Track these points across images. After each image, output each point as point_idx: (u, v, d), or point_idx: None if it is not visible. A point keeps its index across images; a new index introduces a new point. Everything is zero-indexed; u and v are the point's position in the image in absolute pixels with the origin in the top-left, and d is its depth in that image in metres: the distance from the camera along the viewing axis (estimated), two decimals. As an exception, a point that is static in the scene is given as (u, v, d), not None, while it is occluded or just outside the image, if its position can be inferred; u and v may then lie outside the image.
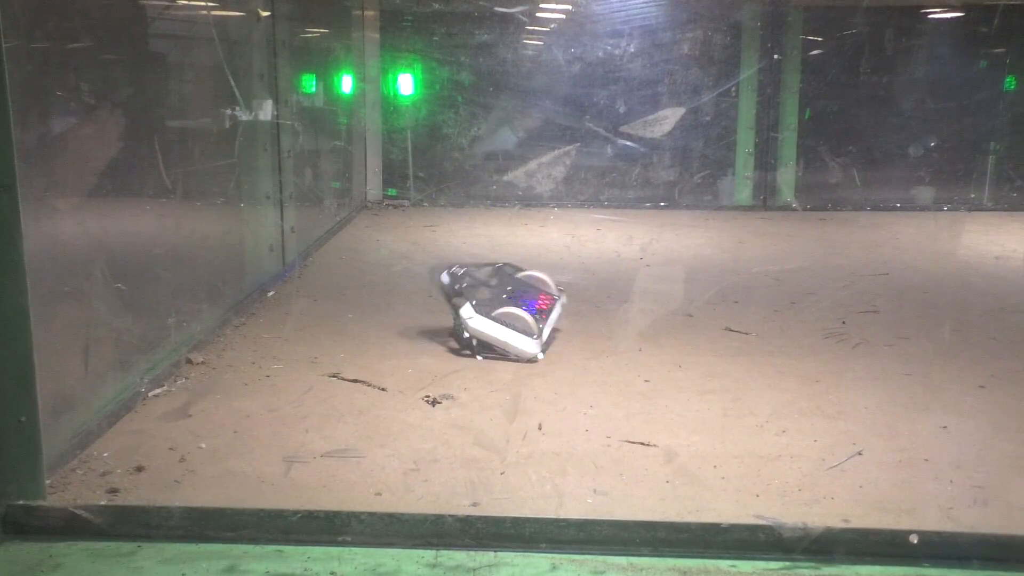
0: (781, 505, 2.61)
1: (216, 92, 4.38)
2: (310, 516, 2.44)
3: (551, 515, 2.49)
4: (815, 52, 8.04)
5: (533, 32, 8.05)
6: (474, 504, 2.60)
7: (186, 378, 3.61)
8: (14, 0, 2.51)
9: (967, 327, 4.45)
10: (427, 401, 3.39)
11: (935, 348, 4.14)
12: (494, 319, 3.79)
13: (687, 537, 2.40)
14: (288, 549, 2.38)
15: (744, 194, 8.22)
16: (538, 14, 7.97)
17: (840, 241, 6.86)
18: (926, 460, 2.92)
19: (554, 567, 2.31)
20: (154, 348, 3.56)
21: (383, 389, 3.53)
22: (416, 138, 8.27)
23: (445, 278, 3.97)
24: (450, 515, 2.44)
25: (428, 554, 2.36)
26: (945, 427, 3.21)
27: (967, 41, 8.08)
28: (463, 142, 8.25)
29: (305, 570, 2.29)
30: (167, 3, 4.07)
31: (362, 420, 3.23)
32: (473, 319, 3.78)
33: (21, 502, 2.47)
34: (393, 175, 8.31)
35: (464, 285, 3.89)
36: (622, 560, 2.34)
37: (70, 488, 2.66)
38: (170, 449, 2.96)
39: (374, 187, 8.26)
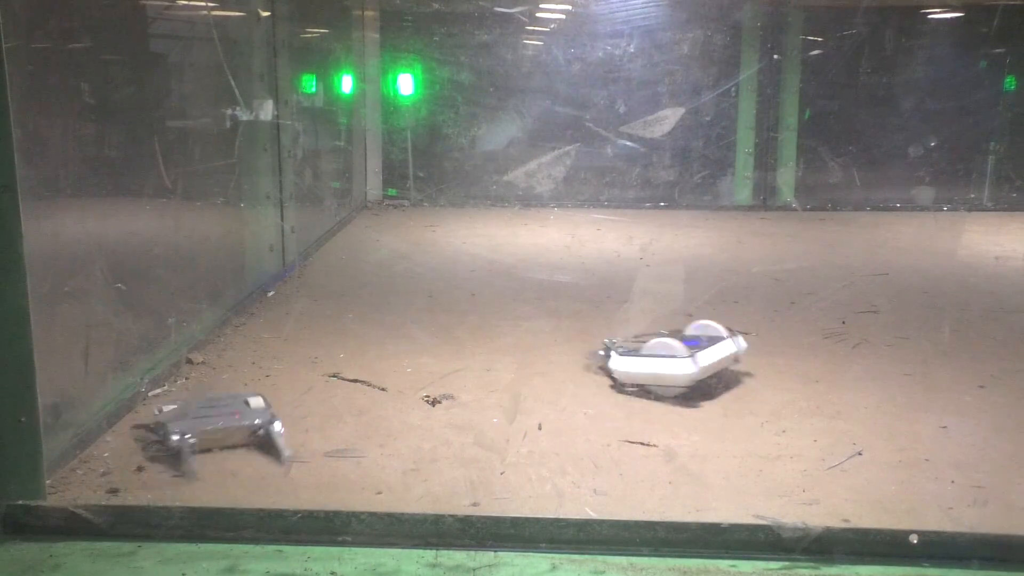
0: (781, 505, 2.61)
1: (216, 92, 4.38)
2: (310, 516, 2.44)
3: (551, 515, 2.49)
4: (815, 52, 8.04)
5: (533, 32, 8.05)
6: (474, 504, 2.60)
7: (186, 378, 3.61)
8: (14, 0, 2.51)
9: (967, 327, 4.45)
10: (427, 401, 3.39)
11: (935, 348, 4.14)
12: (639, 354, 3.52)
13: (687, 537, 2.40)
14: (288, 549, 2.38)
15: (744, 194, 8.22)
16: (538, 14, 7.97)
17: (840, 241, 6.86)
18: (926, 460, 2.92)
19: (554, 567, 2.31)
20: (154, 348, 3.56)
21: (383, 389, 3.53)
22: (416, 138, 8.27)
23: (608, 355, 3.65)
24: (450, 515, 2.44)
25: (428, 554, 2.36)
26: (945, 427, 3.21)
27: (967, 41, 8.08)
28: (463, 142, 8.25)
29: (305, 570, 2.29)
30: (168, 3, 4.07)
31: (362, 420, 3.23)
32: (618, 361, 3.54)
33: (21, 502, 2.47)
34: (393, 175, 8.32)
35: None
36: (622, 560, 2.34)
37: (70, 488, 2.66)
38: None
39: (374, 187, 8.26)
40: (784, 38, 8.04)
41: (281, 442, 2.92)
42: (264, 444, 2.95)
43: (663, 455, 2.96)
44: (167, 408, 3.06)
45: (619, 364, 3.56)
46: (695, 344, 3.53)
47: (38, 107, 2.74)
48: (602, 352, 3.71)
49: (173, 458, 2.83)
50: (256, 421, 2.98)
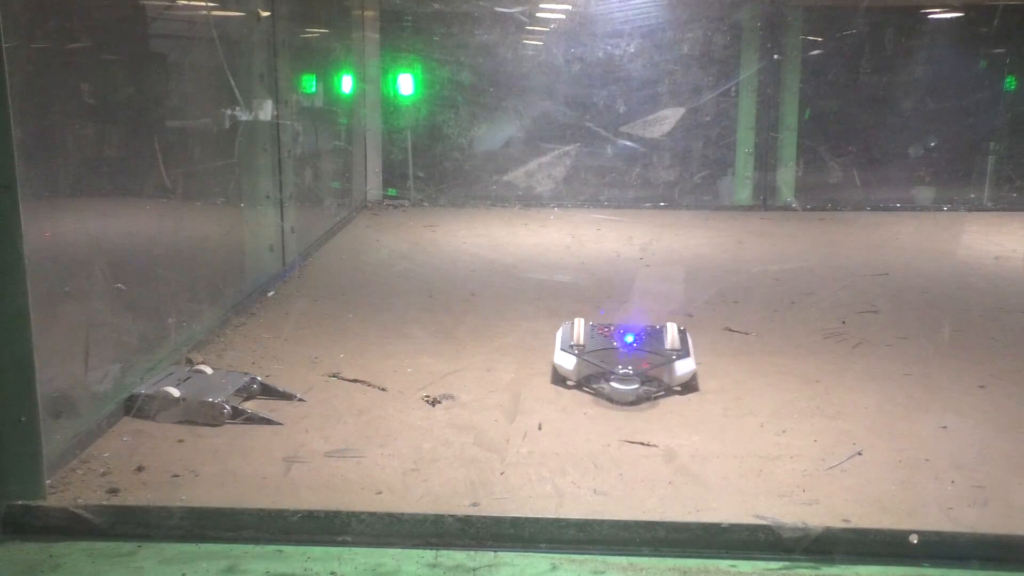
0: (781, 505, 2.61)
1: (216, 92, 4.38)
2: (310, 516, 2.44)
3: (551, 515, 2.49)
4: (815, 52, 8.04)
5: (533, 32, 8.05)
6: (474, 504, 2.60)
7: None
8: (14, 0, 2.51)
9: (967, 327, 4.45)
10: (427, 401, 3.39)
11: (935, 348, 4.14)
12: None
13: (687, 537, 2.40)
14: (288, 549, 2.38)
15: (744, 194, 8.21)
16: (538, 14, 7.97)
17: (840, 241, 6.86)
18: (926, 460, 2.92)
19: (554, 567, 2.31)
20: (154, 348, 3.56)
21: (383, 389, 3.53)
22: (416, 138, 8.27)
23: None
24: (450, 515, 2.44)
25: (428, 554, 2.36)
26: (945, 427, 3.21)
27: (967, 41, 8.08)
28: (463, 142, 8.25)
29: (305, 570, 2.29)
30: (168, 3, 4.07)
31: (362, 420, 3.23)
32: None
33: (21, 502, 2.48)
34: (393, 175, 8.31)
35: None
36: (622, 560, 2.34)
37: (70, 488, 2.66)
38: (170, 449, 2.96)
39: (374, 187, 8.26)
40: (784, 38, 8.04)
41: (279, 386, 3.43)
42: (267, 391, 3.42)
43: (663, 455, 2.96)
44: (147, 390, 3.26)
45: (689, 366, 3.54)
46: (635, 339, 3.69)
47: (38, 107, 2.74)
48: (568, 361, 3.60)
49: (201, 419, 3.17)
50: (246, 379, 3.41)
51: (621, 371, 3.44)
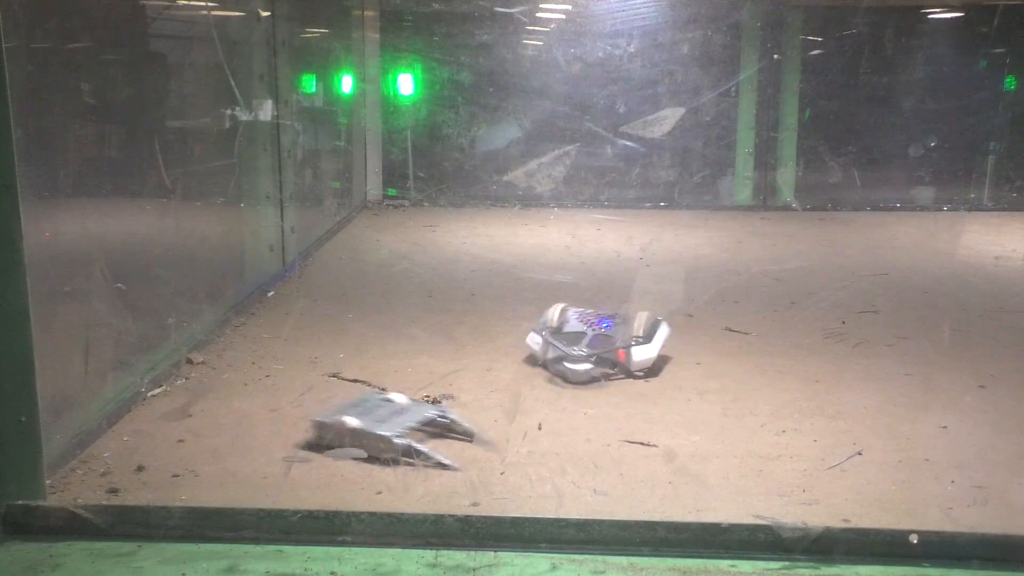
0: (781, 505, 2.61)
1: (216, 92, 4.38)
2: (310, 516, 2.44)
3: (551, 515, 2.49)
4: (815, 52, 8.04)
5: (533, 32, 8.05)
6: (474, 504, 2.60)
7: (186, 378, 3.60)
8: (14, 0, 2.51)
9: (967, 327, 4.45)
10: (427, 401, 3.39)
11: (935, 348, 4.14)
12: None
13: (687, 537, 2.40)
14: (288, 549, 2.38)
15: (744, 194, 8.21)
16: (538, 14, 7.97)
17: (840, 241, 6.86)
18: (926, 460, 2.92)
19: (554, 567, 2.31)
20: (154, 348, 3.56)
21: (383, 389, 3.53)
22: (416, 138, 8.27)
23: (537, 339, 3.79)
24: (450, 515, 2.44)
25: (428, 554, 2.36)
26: (945, 427, 3.21)
27: (967, 41, 8.08)
28: (463, 142, 8.25)
29: (305, 570, 2.29)
30: (168, 3, 4.08)
31: (362, 420, 3.22)
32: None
33: (21, 502, 2.47)
34: (393, 175, 8.31)
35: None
36: (622, 560, 2.34)
37: (70, 488, 2.66)
38: (170, 449, 2.96)
39: (374, 187, 8.26)
40: (784, 38, 8.04)
41: (464, 422, 3.09)
42: (451, 428, 3.09)
43: (663, 455, 2.96)
44: (325, 418, 3.01)
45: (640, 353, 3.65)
46: (608, 325, 3.77)
47: (38, 107, 2.74)
48: (537, 342, 3.79)
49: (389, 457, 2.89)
50: (430, 412, 3.11)
51: (576, 352, 3.62)
